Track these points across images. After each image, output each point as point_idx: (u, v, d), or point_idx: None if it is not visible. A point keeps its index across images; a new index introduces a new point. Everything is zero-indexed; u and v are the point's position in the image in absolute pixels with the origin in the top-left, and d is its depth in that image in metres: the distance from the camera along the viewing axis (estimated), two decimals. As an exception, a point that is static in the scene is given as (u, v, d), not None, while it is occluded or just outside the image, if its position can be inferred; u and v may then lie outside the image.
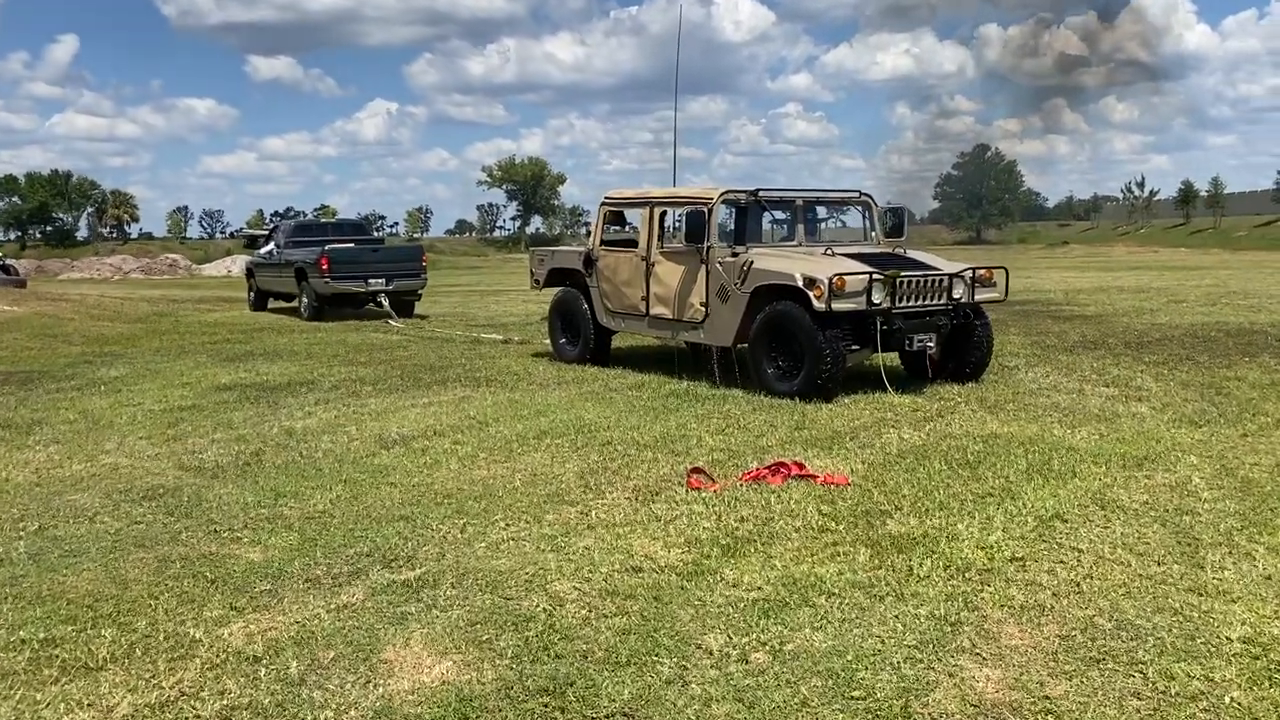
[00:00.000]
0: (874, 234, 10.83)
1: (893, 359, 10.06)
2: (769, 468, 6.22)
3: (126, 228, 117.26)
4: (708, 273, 9.82)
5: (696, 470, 6.26)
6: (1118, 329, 14.72)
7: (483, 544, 4.99)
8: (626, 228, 11.40)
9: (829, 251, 9.62)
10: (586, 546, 4.91)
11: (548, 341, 12.91)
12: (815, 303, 8.73)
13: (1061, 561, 4.70)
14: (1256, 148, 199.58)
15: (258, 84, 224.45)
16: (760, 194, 10.01)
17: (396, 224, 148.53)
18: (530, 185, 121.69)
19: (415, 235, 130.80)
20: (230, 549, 4.99)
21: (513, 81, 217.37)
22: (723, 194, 9.91)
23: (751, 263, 9.39)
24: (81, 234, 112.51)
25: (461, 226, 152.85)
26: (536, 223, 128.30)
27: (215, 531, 5.30)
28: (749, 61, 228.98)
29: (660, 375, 10.46)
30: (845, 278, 8.75)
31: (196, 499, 5.97)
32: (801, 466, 6.28)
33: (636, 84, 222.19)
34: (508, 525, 5.31)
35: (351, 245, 19.77)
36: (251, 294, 22.35)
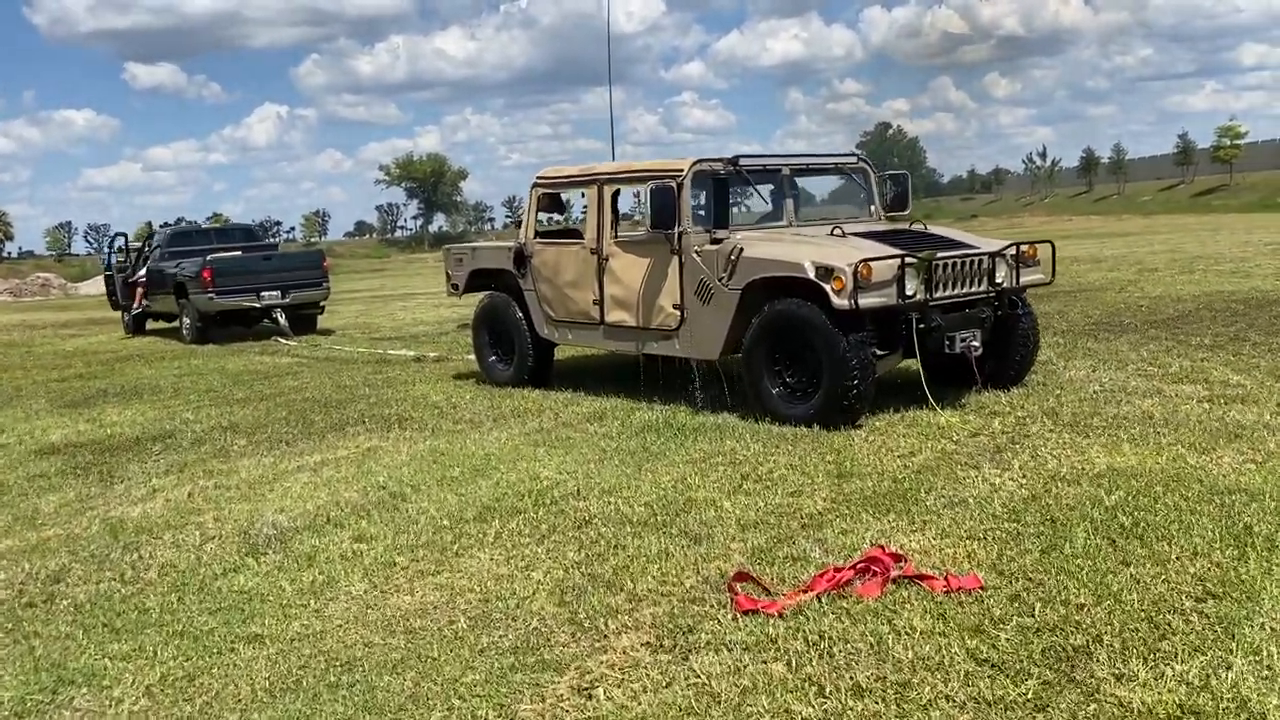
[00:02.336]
0: (873, 207, 8.73)
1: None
2: (854, 567, 4.02)
3: (2, 247, 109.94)
4: (681, 266, 7.59)
5: (742, 577, 4.03)
6: (1117, 305, 12.94)
7: (416, 803, 2.67)
8: (579, 219, 9.11)
9: (837, 231, 7.45)
10: (613, 797, 2.64)
11: (472, 358, 10.55)
12: (835, 299, 6.58)
13: None
14: (1133, 116, 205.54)
15: (138, 92, 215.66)
16: (741, 162, 7.79)
17: (293, 229, 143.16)
18: (430, 182, 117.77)
19: (313, 240, 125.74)
20: None
21: (404, 79, 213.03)
22: (695, 165, 7.67)
23: (741, 250, 7.19)
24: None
25: (361, 228, 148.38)
26: (439, 221, 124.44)
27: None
28: (643, 51, 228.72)
29: (624, 399, 8.21)
30: (871, 264, 6.62)
31: (-84, 698, 3.53)
32: (899, 558, 4.10)
33: (531, 77, 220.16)
34: (457, 737, 3.00)
35: (239, 254, 17.00)
36: (127, 315, 19.35)
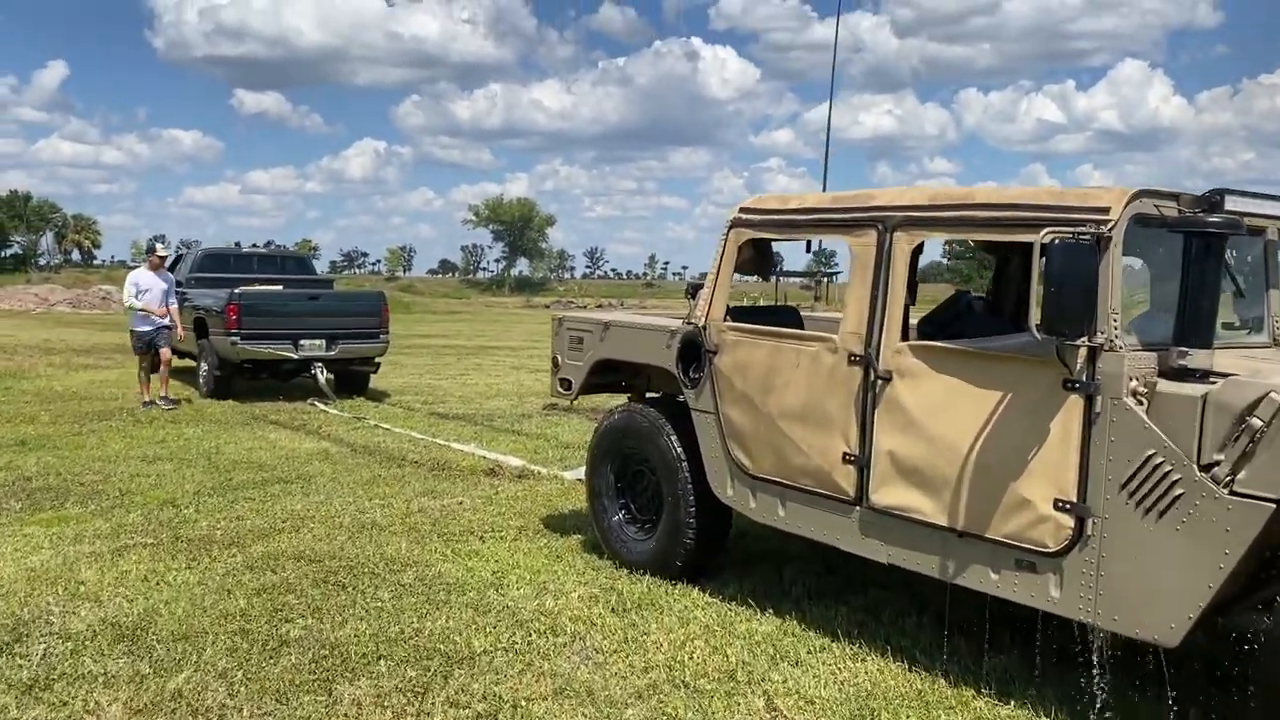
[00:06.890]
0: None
1: None
2: None
3: (91, 254, 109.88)
4: (1091, 419, 3.42)
5: None
6: None
7: None
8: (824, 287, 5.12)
9: None
10: None
11: (569, 475, 6.56)
12: None
13: None
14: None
15: (244, 117, 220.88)
16: (1227, 202, 3.58)
17: (379, 261, 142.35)
18: (517, 226, 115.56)
19: (395, 273, 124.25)
20: None
21: (499, 126, 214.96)
22: (1135, 200, 3.51)
23: (1281, 407, 3.01)
24: (50, 259, 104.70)
25: (445, 266, 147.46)
26: (522, 265, 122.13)
27: None
28: (733, 116, 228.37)
29: (898, 665, 4.05)
30: None
31: None
32: None
33: (623, 133, 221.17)
34: None
35: (279, 289, 13.16)
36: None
